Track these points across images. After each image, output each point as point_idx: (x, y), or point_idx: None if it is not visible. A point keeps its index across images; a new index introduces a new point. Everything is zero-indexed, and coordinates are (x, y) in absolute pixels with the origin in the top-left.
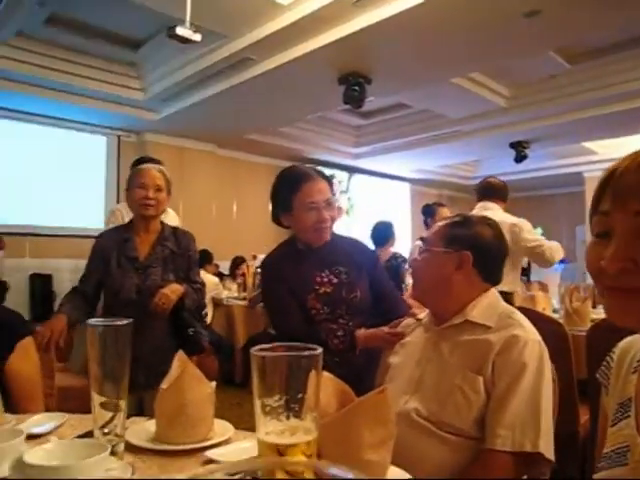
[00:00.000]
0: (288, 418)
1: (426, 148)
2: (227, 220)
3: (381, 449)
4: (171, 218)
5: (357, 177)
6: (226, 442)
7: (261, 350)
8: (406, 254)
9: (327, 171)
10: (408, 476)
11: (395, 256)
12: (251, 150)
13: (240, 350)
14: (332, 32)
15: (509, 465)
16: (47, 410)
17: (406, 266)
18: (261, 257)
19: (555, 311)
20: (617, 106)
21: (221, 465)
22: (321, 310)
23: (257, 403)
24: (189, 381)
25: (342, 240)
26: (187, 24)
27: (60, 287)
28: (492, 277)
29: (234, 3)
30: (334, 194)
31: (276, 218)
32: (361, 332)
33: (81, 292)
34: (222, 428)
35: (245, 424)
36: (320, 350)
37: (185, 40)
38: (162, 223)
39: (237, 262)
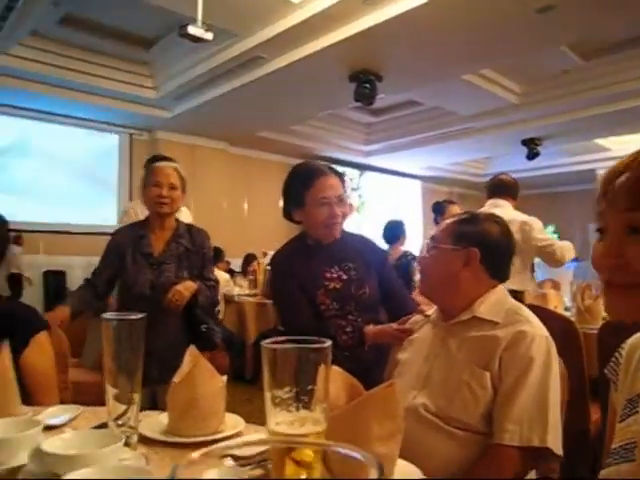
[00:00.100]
0: (298, 409)
1: (437, 145)
2: (238, 217)
3: (390, 442)
4: (184, 216)
5: (368, 174)
6: (237, 435)
7: (272, 343)
8: (417, 252)
9: (338, 169)
10: (416, 469)
11: (405, 254)
12: (262, 148)
13: (251, 346)
14: (343, 30)
15: (517, 460)
16: (62, 403)
17: (415, 264)
18: (272, 254)
19: (567, 309)
20: (631, 102)
21: (233, 442)
22: (330, 306)
23: (267, 395)
24: (201, 375)
25: (352, 237)
26: (199, 23)
27: (73, 284)
28: (500, 274)
29: (245, 2)
30: (346, 191)
31: (288, 213)
32: (370, 328)
33: (92, 285)
34: (233, 421)
35: (255, 419)
36: (329, 343)
37: (197, 39)
38: (177, 220)
39: (249, 259)
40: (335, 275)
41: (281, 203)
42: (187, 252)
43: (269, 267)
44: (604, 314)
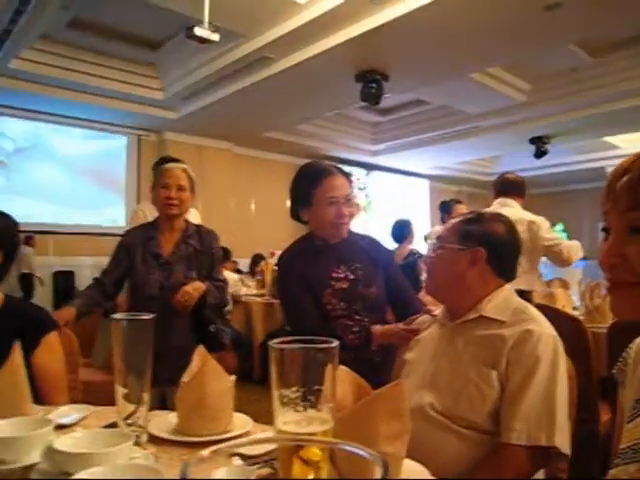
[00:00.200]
0: (305, 409)
1: (444, 144)
2: (246, 218)
3: (397, 441)
4: (193, 217)
5: (375, 174)
6: (245, 434)
7: (279, 343)
8: (424, 251)
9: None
10: (423, 469)
11: (412, 252)
12: (269, 148)
13: (258, 347)
14: (349, 30)
15: (524, 459)
16: (72, 402)
17: (422, 264)
18: (279, 254)
19: (575, 308)
20: None
21: (241, 440)
22: (337, 306)
23: (275, 394)
24: (209, 375)
25: (358, 237)
26: (205, 24)
27: (82, 284)
28: (506, 273)
29: (252, 3)
30: (353, 190)
31: (295, 213)
32: (377, 328)
33: (101, 284)
34: (241, 421)
35: (263, 419)
36: (336, 343)
37: (203, 40)
38: (186, 221)
39: (256, 260)
40: (342, 275)
41: (288, 203)
42: (196, 253)
43: (276, 267)
44: None
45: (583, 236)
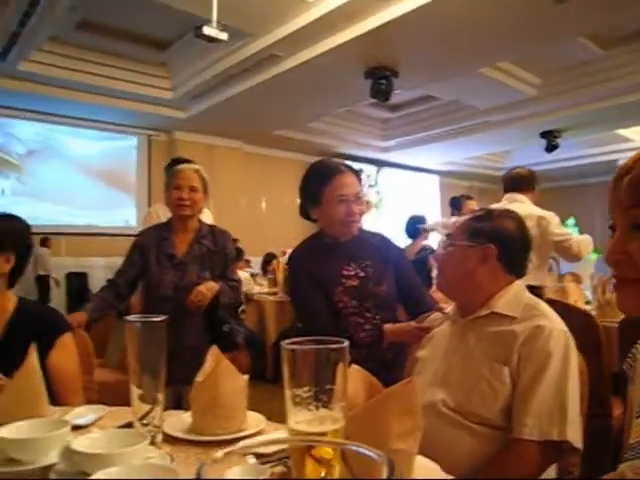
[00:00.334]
0: (317, 408)
1: (455, 140)
2: (257, 216)
3: (409, 439)
4: (206, 217)
5: (385, 170)
6: (259, 433)
7: (291, 344)
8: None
9: (355, 165)
10: (435, 465)
11: (424, 248)
12: (279, 146)
13: (271, 345)
14: (358, 26)
15: (536, 454)
16: (88, 403)
17: (432, 260)
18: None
19: (588, 302)
20: None
21: (254, 441)
22: (348, 303)
23: (287, 394)
24: (223, 374)
25: (369, 235)
26: (214, 23)
27: (94, 284)
28: (516, 269)
29: (259, 1)
30: (363, 188)
31: (304, 212)
32: (388, 326)
33: (115, 285)
34: (255, 420)
35: (276, 418)
36: (347, 343)
37: (212, 39)
38: (200, 222)
39: (268, 258)
40: (353, 273)
41: (299, 201)
42: (209, 253)
43: (287, 266)
44: None
45: (595, 230)
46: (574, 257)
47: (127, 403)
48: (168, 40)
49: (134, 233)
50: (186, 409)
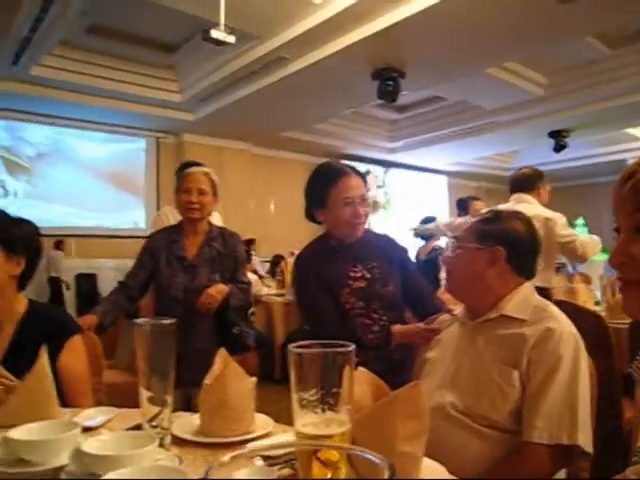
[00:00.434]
0: (324, 411)
1: (462, 140)
2: (265, 218)
3: (415, 442)
4: (216, 220)
5: (393, 171)
6: (267, 435)
7: (298, 347)
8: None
9: (363, 166)
10: (443, 469)
11: (435, 248)
12: (287, 147)
13: (279, 347)
14: (365, 28)
15: (546, 458)
16: (97, 404)
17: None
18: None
19: (598, 303)
20: None
21: (261, 445)
22: (355, 305)
23: (294, 397)
24: (231, 377)
25: (373, 236)
26: (221, 27)
27: (104, 286)
28: (526, 271)
29: (267, 4)
30: (368, 190)
31: (310, 214)
32: (396, 328)
33: (126, 287)
34: (263, 422)
35: (284, 419)
36: (353, 347)
37: (220, 42)
38: (210, 224)
39: (276, 260)
40: (359, 274)
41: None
42: (219, 255)
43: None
44: None
45: (604, 230)
46: (579, 258)
47: (136, 404)
48: (176, 43)
49: (143, 235)
50: (195, 411)
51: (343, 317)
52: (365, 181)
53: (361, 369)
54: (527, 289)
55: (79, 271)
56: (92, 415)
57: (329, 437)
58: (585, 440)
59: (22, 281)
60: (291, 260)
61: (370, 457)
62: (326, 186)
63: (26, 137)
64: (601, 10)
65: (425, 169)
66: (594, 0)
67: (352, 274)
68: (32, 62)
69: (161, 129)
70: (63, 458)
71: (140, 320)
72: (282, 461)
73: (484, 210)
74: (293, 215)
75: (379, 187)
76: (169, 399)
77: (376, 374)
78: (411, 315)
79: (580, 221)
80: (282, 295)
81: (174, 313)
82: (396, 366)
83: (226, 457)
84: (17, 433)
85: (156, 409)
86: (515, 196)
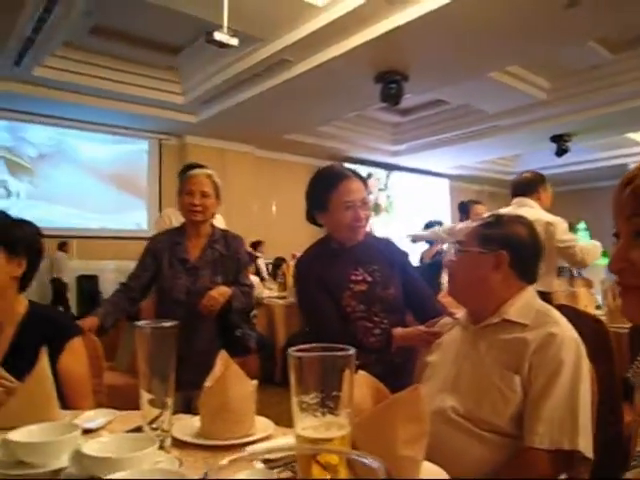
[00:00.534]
0: (324, 415)
1: (465, 144)
2: (267, 220)
3: (415, 445)
4: (218, 222)
5: (396, 174)
6: (267, 438)
7: (298, 351)
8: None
9: (365, 169)
10: (442, 472)
11: (439, 252)
12: (290, 150)
13: (280, 349)
14: (368, 31)
15: (547, 463)
16: (98, 406)
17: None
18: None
19: (599, 307)
20: None
21: (260, 449)
22: (356, 308)
23: (294, 400)
24: (231, 380)
25: (374, 239)
26: (225, 29)
27: (105, 287)
28: (528, 276)
29: (270, 7)
30: (369, 194)
31: (311, 217)
32: (398, 331)
33: (128, 289)
34: (263, 425)
35: (285, 422)
36: (353, 351)
37: (223, 45)
38: (213, 226)
39: (278, 263)
40: (360, 277)
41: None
42: (222, 258)
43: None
44: None
45: (606, 234)
46: (578, 264)
47: (137, 406)
48: (179, 45)
49: (145, 236)
50: (195, 413)
51: (344, 320)
52: (366, 184)
53: (361, 372)
54: (529, 293)
55: (80, 272)
56: (92, 417)
57: (329, 440)
58: (586, 445)
59: (23, 282)
60: (292, 263)
61: (367, 461)
62: (327, 189)
63: (28, 138)
64: (604, 14)
65: (427, 172)
66: (598, 4)
67: (353, 277)
68: (35, 63)
69: (164, 131)
70: (63, 460)
71: (141, 322)
72: (282, 464)
73: (485, 214)
74: (295, 218)
75: (381, 190)
76: (169, 401)
77: (377, 377)
78: (412, 318)
79: (582, 225)
80: (283, 297)
81: (176, 315)
82: (397, 369)
83: (225, 460)
84: (17, 435)
85: (156, 411)
86: (516, 200)
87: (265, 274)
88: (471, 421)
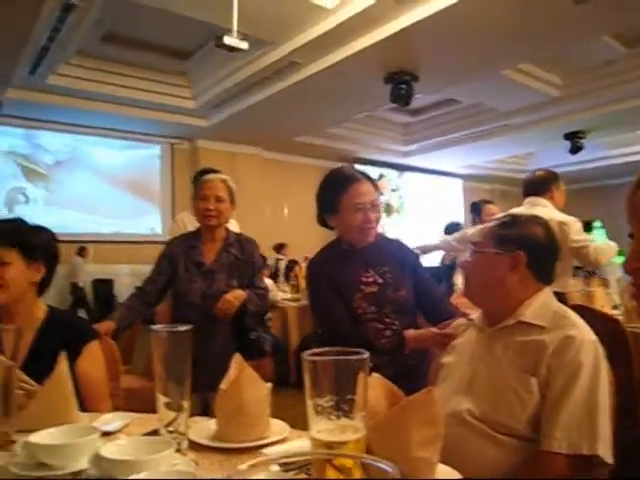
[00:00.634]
0: (338, 418)
1: (477, 143)
2: (279, 223)
3: (430, 447)
4: (232, 227)
5: (407, 175)
6: (282, 441)
7: (312, 355)
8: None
9: (377, 170)
10: (457, 474)
11: None
12: (301, 152)
13: (294, 351)
14: (377, 32)
15: (564, 468)
16: (115, 409)
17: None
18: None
19: (616, 307)
20: None
21: (276, 454)
22: (367, 309)
23: (309, 403)
24: (246, 383)
25: (385, 241)
26: (234, 33)
27: (120, 291)
28: (545, 276)
29: (279, 10)
30: (380, 195)
31: (321, 219)
32: (410, 332)
33: (144, 293)
34: (278, 427)
35: (300, 425)
36: (367, 354)
37: (232, 49)
38: (227, 230)
39: (290, 265)
40: (371, 279)
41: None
42: (237, 261)
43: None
44: None
45: (622, 232)
46: (592, 264)
47: (153, 409)
48: (189, 50)
49: (159, 240)
50: (213, 415)
51: (355, 322)
52: (376, 186)
53: (375, 375)
54: (546, 295)
55: (96, 276)
56: (110, 420)
57: (344, 443)
58: (605, 450)
59: (41, 287)
60: (305, 265)
61: (382, 466)
62: (337, 192)
63: (44, 145)
64: (615, 10)
65: (439, 172)
66: (607, 0)
67: (364, 279)
68: (49, 71)
69: (175, 135)
70: (82, 462)
71: (157, 326)
72: (297, 466)
73: (498, 214)
74: (307, 220)
75: (393, 191)
76: (186, 404)
77: (390, 379)
78: (423, 320)
79: (598, 224)
80: (297, 300)
81: (192, 319)
82: (410, 371)
83: (244, 465)
84: (37, 437)
85: (173, 414)
86: (529, 200)
87: (282, 276)
88: (487, 424)
